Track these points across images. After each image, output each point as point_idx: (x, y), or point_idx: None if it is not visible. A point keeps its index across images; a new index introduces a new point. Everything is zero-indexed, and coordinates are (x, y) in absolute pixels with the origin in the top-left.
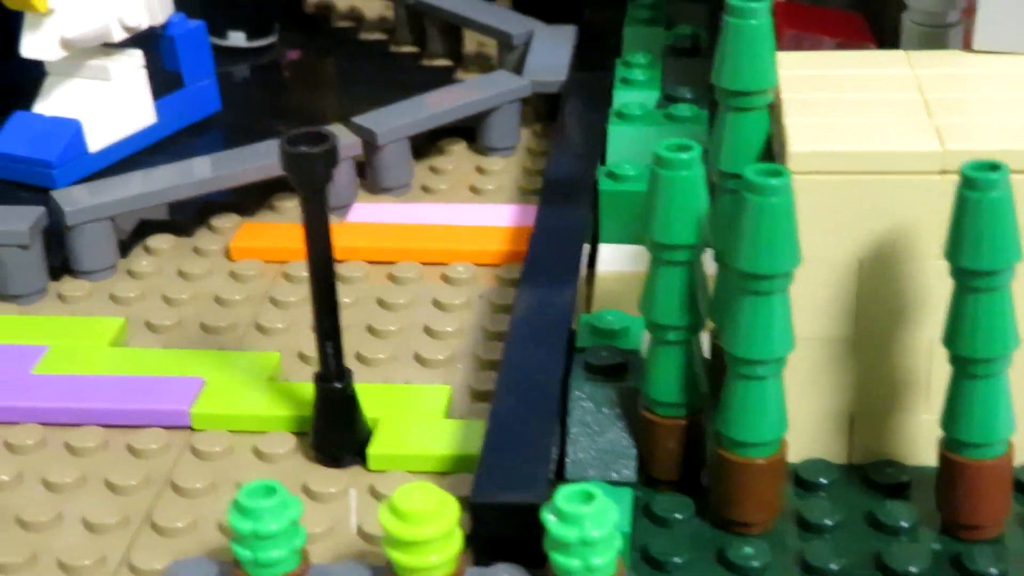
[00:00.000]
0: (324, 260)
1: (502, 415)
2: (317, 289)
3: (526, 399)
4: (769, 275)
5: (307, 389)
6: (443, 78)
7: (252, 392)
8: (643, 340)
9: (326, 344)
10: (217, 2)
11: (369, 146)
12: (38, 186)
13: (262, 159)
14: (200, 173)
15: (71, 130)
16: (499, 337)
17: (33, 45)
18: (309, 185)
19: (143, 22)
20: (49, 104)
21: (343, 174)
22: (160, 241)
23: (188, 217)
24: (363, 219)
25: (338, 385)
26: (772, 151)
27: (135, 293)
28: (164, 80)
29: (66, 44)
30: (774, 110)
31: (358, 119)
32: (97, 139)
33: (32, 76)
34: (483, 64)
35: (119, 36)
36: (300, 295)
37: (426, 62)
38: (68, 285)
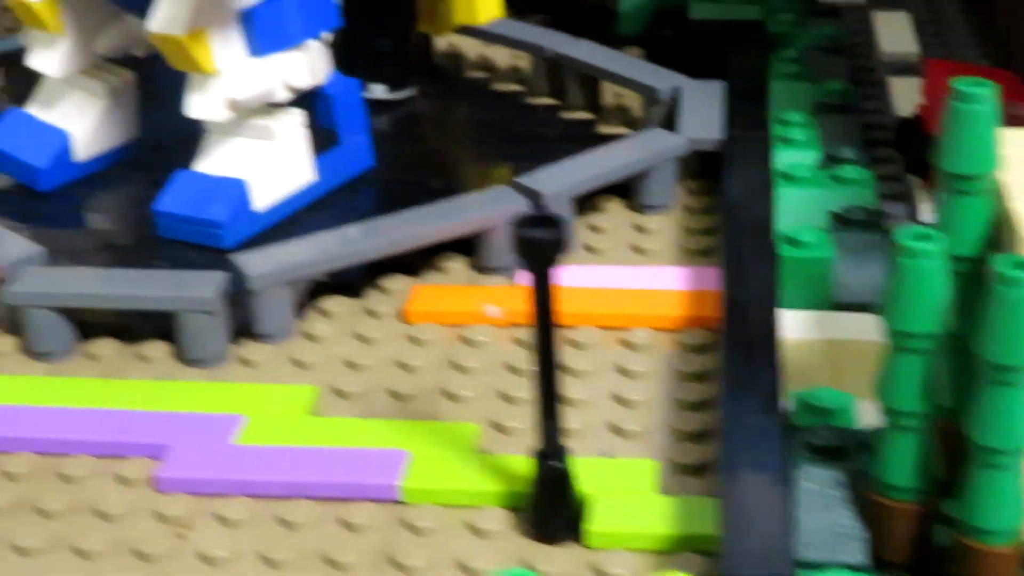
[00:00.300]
0: (549, 339)
1: (737, 494)
2: (543, 368)
3: (756, 477)
4: (1018, 367)
5: (514, 463)
6: (584, 131)
7: (459, 465)
8: (861, 417)
9: (548, 422)
10: (358, 55)
11: (535, 206)
12: (205, 246)
13: (439, 221)
14: (382, 236)
15: (238, 190)
16: (694, 407)
17: (199, 105)
18: (538, 268)
19: (307, 83)
20: (211, 163)
21: (506, 236)
22: (333, 303)
23: (356, 277)
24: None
25: (558, 464)
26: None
27: (317, 358)
28: (320, 137)
29: (232, 105)
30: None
31: (523, 180)
32: (262, 198)
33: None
34: (622, 117)
35: (283, 97)
36: (482, 361)
37: (565, 114)
38: (249, 349)
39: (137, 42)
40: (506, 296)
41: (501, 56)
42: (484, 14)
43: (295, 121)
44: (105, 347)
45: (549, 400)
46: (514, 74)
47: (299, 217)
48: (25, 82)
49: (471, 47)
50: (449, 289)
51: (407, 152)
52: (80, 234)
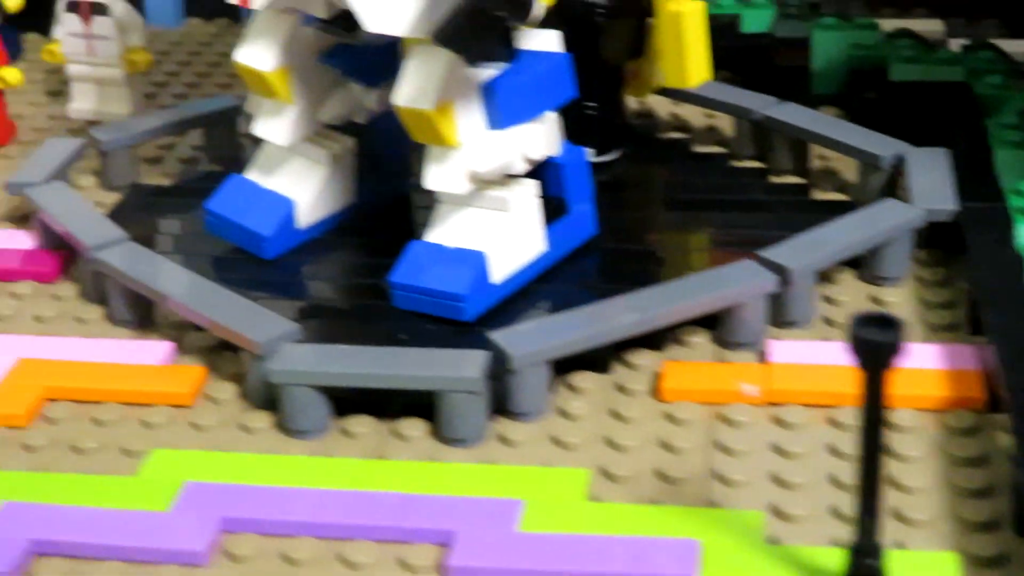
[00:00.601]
0: (877, 437)
1: None
2: (867, 463)
3: None
4: None
5: (810, 555)
6: (798, 197)
7: (754, 557)
8: None
9: (867, 519)
10: (566, 119)
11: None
12: (442, 318)
13: (691, 297)
14: (640, 311)
15: (478, 262)
16: (980, 494)
17: (439, 177)
18: (873, 369)
19: (543, 154)
20: (447, 234)
21: (755, 310)
22: (582, 379)
23: (600, 351)
24: (787, 358)
25: (874, 562)
26: None
27: (577, 437)
28: (548, 206)
29: (473, 177)
30: None
31: (768, 254)
32: (498, 270)
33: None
34: (834, 182)
35: (521, 169)
36: (747, 442)
37: (773, 178)
38: (507, 427)
39: (359, 109)
40: (761, 374)
41: (693, 116)
42: (695, 78)
43: (529, 192)
44: (361, 424)
45: (871, 497)
46: (711, 135)
47: (530, 288)
48: (226, 144)
49: (661, 106)
50: (702, 366)
51: (622, 218)
52: (310, 304)
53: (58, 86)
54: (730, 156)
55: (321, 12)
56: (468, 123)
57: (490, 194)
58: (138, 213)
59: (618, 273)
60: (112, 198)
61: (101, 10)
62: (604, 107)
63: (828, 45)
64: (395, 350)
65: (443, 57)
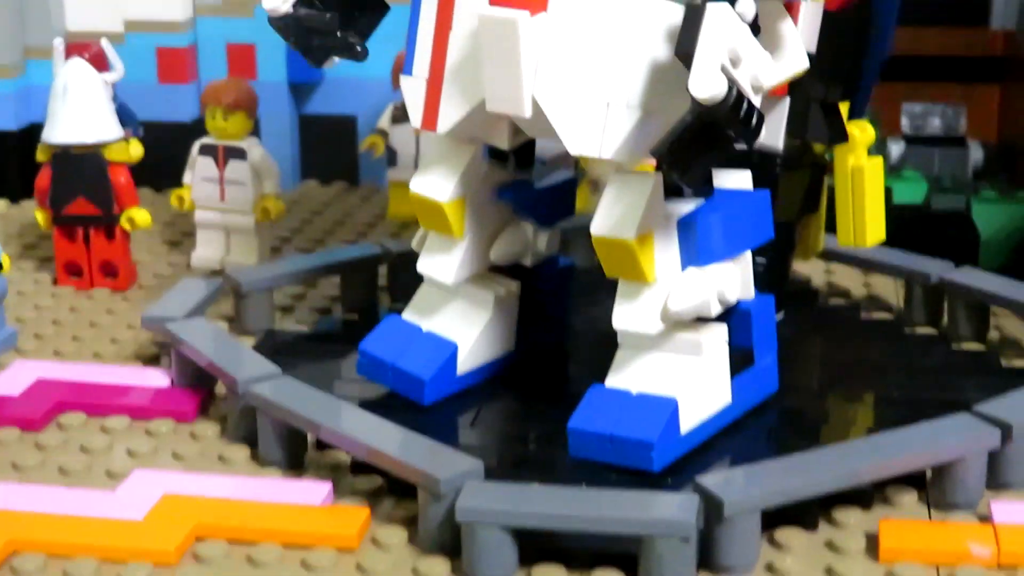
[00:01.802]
0: None
1: None
2: None
3: None
4: None
5: None
6: (988, 364)
7: None
8: None
9: None
10: None
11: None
12: (625, 467)
13: (903, 451)
14: (848, 465)
15: (668, 408)
16: None
17: (631, 316)
18: None
19: (738, 296)
20: (632, 379)
21: (975, 468)
22: (786, 535)
23: (806, 506)
24: (1015, 520)
25: None
26: None
27: None
28: (731, 356)
29: (666, 317)
30: None
31: (986, 408)
32: (687, 419)
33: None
34: (1019, 349)
35: (716, 311)
36: None
37: (955, 346)
38: None
39: (528, 251)
40: (987, 535)
41: (851, 282)
42: (872, 237)
43: (721, 337)
44: (551, 573)
45: None
46: (875, 302)
47: (712, 442)
48: (363, 294)
49: (816, 270)
50: (922, 525)
51: (797, 376)
52: (473, 453)
53: (177, 236)
54: (901, 322)
55: (504, 143)
56: (664, 259)
57: (681, 337)
58: (277, 357)
59: (806, 430)
60: (246, 344)
61: (237, 154)
62: (773, 264)
63: (991, 217)
64: (595, 491)
65: (645, 185)
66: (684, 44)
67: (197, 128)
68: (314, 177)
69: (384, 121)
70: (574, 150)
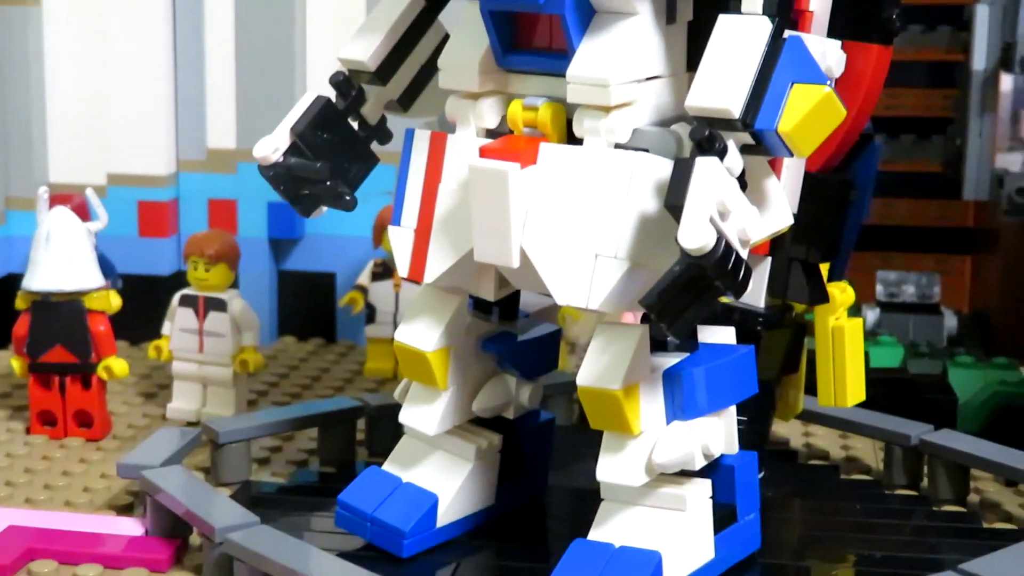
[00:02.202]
0: None
1: None
2: None
3: None
4: None
5: None
6: (969, 527)
7: None
8: None
9: None
10: None
11: None
12: None
13: None
14: None
15: (651, 563)
16: None
17: (613, 468)
18: None
19: (722, 451)
20: (612, 533)
21: None
22: None
23: None
24: None
25: None
26: None
27: None
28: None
29: (650, 470)
30: None
31: (973, 567)
32: (670, 574)
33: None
34: (999, 512)
35: (700, 464)
36: None
37: (935, 507)
38: None
39: (511, 404)
40: None
41: (829, 443)
42: (853, 397)
43: (705, 492)
44: None
45: None
46: (854, 462)
47: None
48: (341, 446)
49: (795, 431)
50: None
51: (779, 535)
52: None
53: (152, 388)
54: (881, 483)
55: (489, 295)
56: (650, 411)
57: (664, 491)
58: (254, 507)
59: None
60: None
61: (218, 305)
62: (753, 424)
63: (968, 382)
64: None
65: (632, 337)
66: (674, 196)
67: (176, 281)
68: (291, 333)
69: (364, 278)
70: (562, 300)
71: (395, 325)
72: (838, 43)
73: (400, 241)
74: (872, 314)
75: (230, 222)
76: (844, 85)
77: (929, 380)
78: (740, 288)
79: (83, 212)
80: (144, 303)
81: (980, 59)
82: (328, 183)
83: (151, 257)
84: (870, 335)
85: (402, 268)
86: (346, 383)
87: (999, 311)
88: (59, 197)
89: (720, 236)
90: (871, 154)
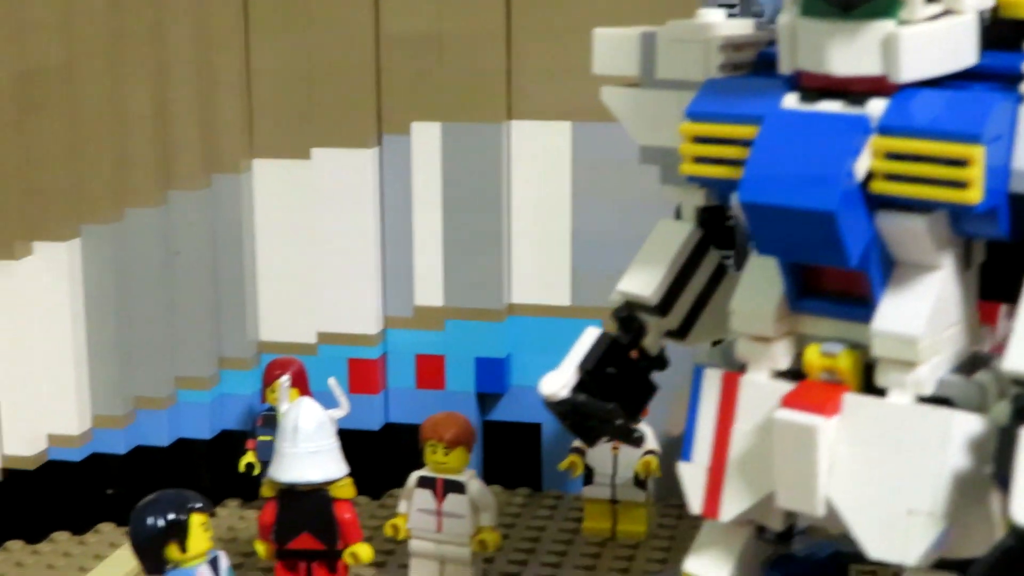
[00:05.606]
0: None
1: None
2: None
3: None
4: None
5: None
6: None
7: None
8: None
9: None
10: None
11: None
12: None
13: None
14: None
15: None
16: None
17: None
18: None
19: None
20: None
21: None
22: None
23: None
24: None
25: None
26: None
27: None
28: None
29: None
30: None
31: None
32: None
33: None
34: None
35: None
36: None
37: None
38: None
39: None
40: None
41: None
42: None
43: None
44: None
45: None
46: None
47: None
48: None
49: None
50: None
51: None
52: None
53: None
54: None
55: (778, 525)
56: None
57: None
58: None
59: None
60: None
61: (457, 488)
62: None
63: None
64: None
65: None
66: (1002, 469)
67: (383, 436)
68: (498, 482)
69: (579, 441)
70: (875, 555)
71: (612, 487)
72: None
73: (692, 478)
74: None
75: (438, 377)
76: None
77: None
78: None
79: (301, 379)
80: (356, 457)
81: None
82: (619, 423)
83: (361, 413)
84: None
85: (695, 504)
86: (567, 545)
87: None
88: (279, 363)
89: None
90: None
